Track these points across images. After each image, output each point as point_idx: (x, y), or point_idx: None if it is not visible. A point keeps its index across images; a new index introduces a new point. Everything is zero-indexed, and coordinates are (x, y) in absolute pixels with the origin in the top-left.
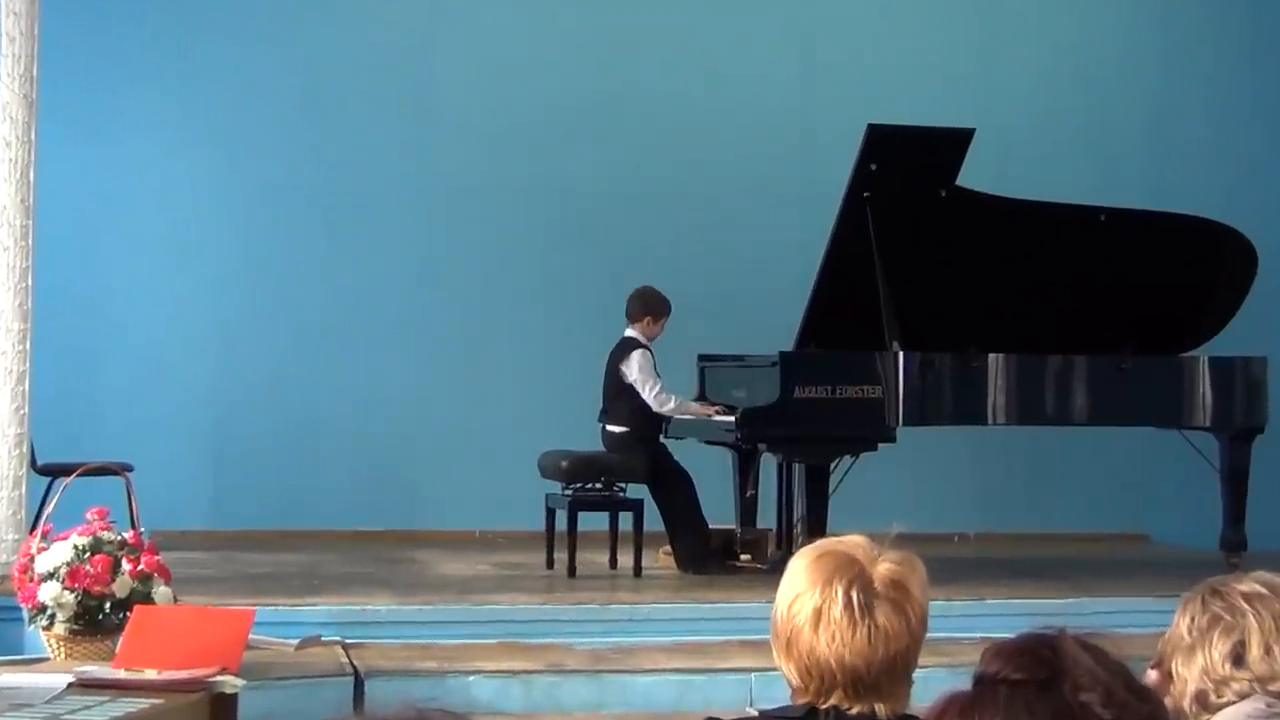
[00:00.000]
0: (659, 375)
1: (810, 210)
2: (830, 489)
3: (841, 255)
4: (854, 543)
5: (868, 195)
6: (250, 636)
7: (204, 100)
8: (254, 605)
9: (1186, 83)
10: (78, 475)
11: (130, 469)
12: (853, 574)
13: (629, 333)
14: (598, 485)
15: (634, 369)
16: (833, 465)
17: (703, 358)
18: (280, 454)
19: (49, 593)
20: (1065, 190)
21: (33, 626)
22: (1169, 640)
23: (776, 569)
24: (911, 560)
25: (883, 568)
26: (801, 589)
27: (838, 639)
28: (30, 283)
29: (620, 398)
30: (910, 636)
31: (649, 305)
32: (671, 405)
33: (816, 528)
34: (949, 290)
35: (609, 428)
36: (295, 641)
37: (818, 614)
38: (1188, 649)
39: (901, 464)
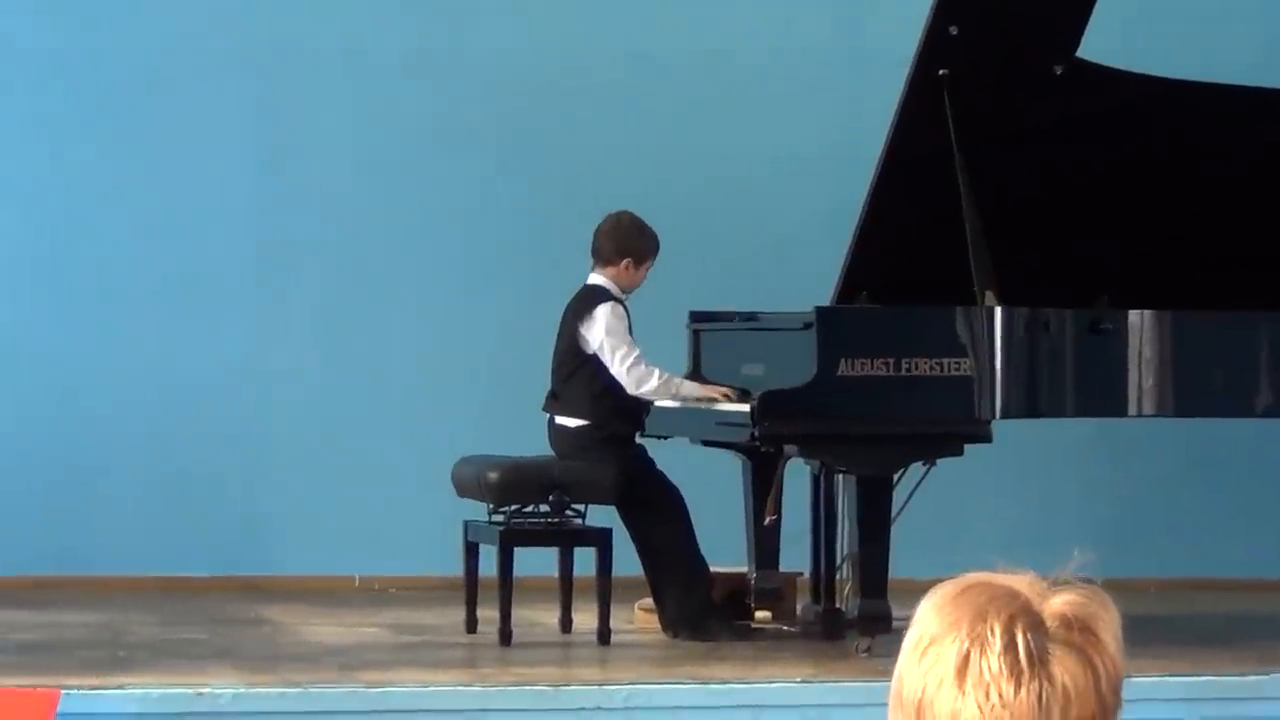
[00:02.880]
0: (635, 341)
1: (857, 97)
2: (893, 513)
3: (905, 164)
4: (1012, 576)
5: (944, 73)
6: None
7: None
8: (35, 684)
9: None
10: None
11: None
12: (1015, 609)
13: (594, 279)
14: (543, 508)
15: (598, 330)
16: (897, 477)
17: (696, 316)
18: (58, 468)
19: None
20: (1237, 69)
21: None
22: None
23: (811, 631)
24: (1101, 596)
25: (1059, 602)
26: (938, 631)
27: (993, 698)
28: None
29: (578, 376)
30: (1099, 703)
31: (628, 241)
32: (654, 384)
33: (874, 570)
34: (1066, 215)
35: (561, 421)
36: None
37: (964, 664)
38: None
39: (996, 475)
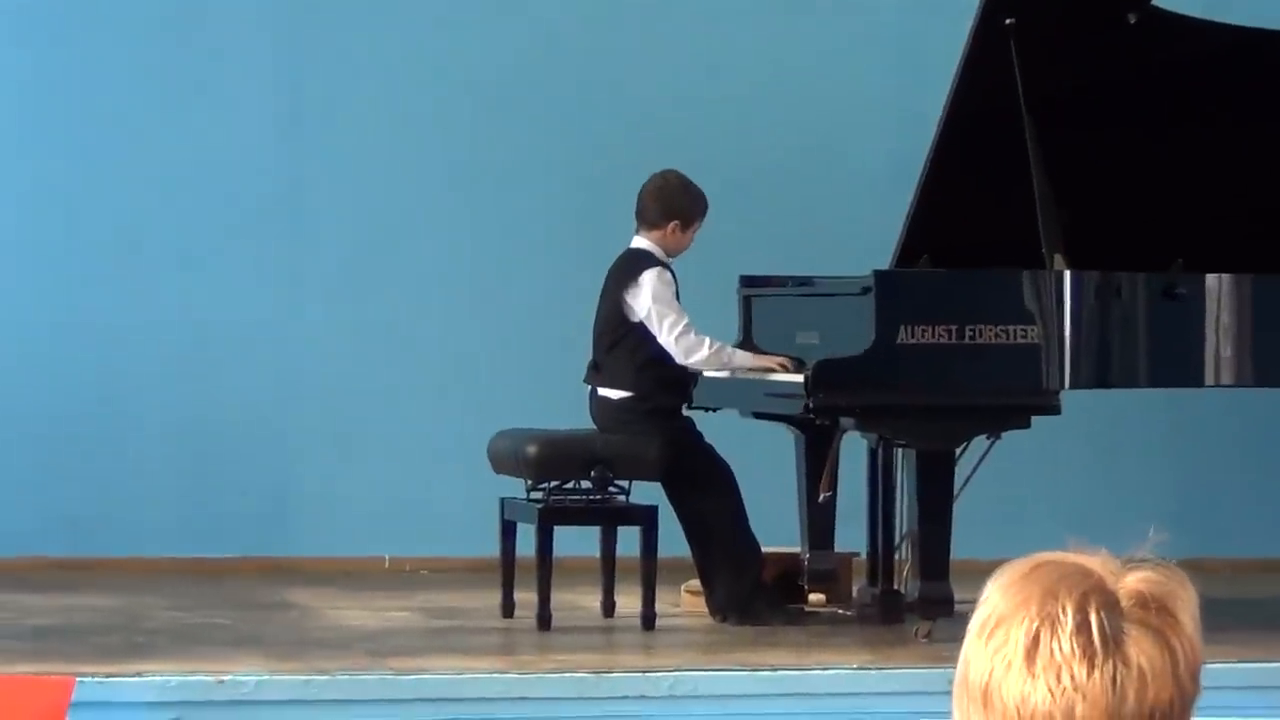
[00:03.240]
0: (684, 308)
1: (918, 48)
2: (955, 489)
3: (969, 119)
4: (1085, 555)
5: (1011, 22)
6: None
7: None
8: (48, 671)
9: None
10: None
11: None
12: (1088, 587)
13: (639, 243)
14: (585, 484)
15: (645, 297)
16: (959, 451)
17: (747, 281)
18: (70, 443)
19: None
20: None
21: None
22: None
23: (868, 614)
24: (1179, 576)
25: (1134, 580)
26: (1005, 611)
27: (1064, 681)
28: None
29: (621, 345)
30: (1177, 687)
31: (675, 202)
32: (705, 353)
33: (934, 550)
34: (1139, 173)
35: (603, 393)
36: None
37: (1034, 646)
38: None
39: (1064, 450)
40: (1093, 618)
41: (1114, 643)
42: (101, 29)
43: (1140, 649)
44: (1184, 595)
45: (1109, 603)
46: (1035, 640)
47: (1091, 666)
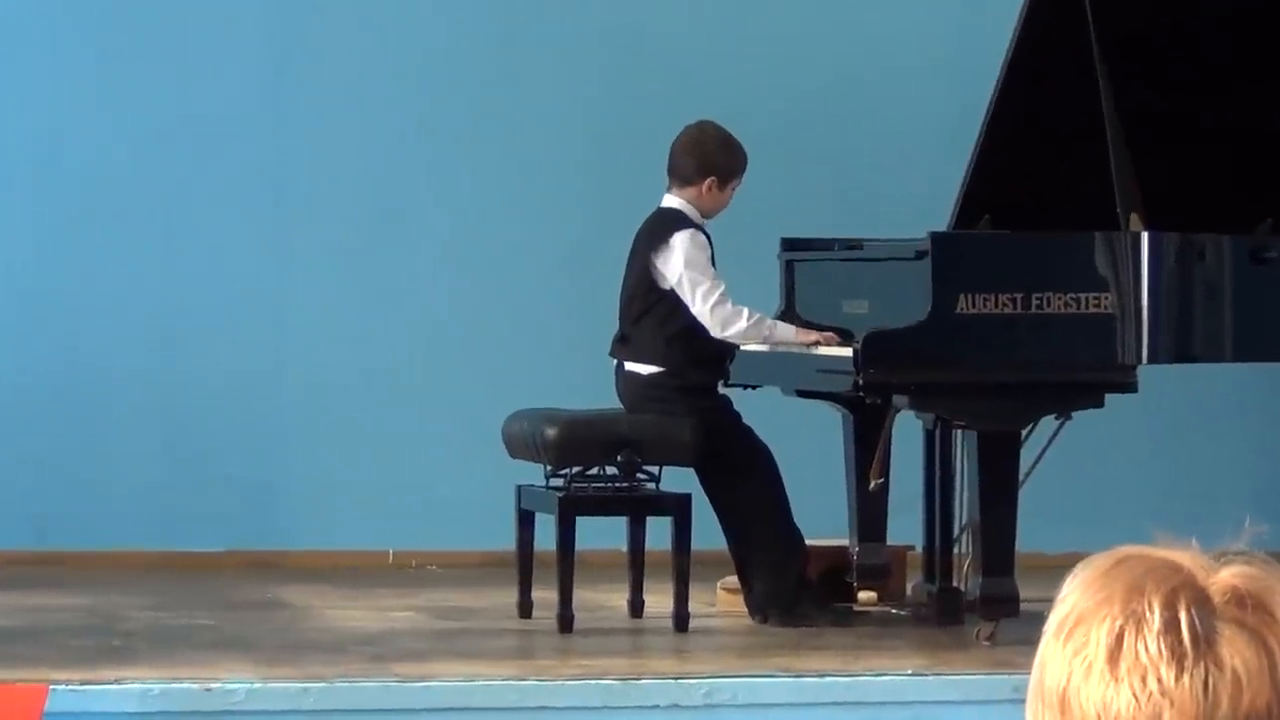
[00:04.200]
0: (719, 274)
1: None
2: (1020, 475)
3: (1035, 63)
4: (1172, 549)
5: None
6: None
7: None
8: (17, 679)
9: None
10: None
11: None
12: (1177, 583)
13: (670, 202)
14: (610, 470)
15: (677, 262)
16: (1025, 433)
17: (790, 244)
18: (39, 425)
19: None
20: None
21: None
22: None
23: (924, 614)
24: (1278, 570)
25: (1228, 575)
26: (1086, 609)
27: (1151, 685)
28: None
29: (650, 315)
30: (1275, 692)
31: (712, 157)
32: (743, 325)
33: (998, 543)
34: (1223, 123)
35: (630, 368)
36: None
37: (1118, 647)
38: None
39: (1142, 431)
40: (1182, 616)
41: (1206, 643)
42: None
43: (1234, 650)
44: None
45: (1200, 599)
46: (1119, 641)
47: (1181, 669)
